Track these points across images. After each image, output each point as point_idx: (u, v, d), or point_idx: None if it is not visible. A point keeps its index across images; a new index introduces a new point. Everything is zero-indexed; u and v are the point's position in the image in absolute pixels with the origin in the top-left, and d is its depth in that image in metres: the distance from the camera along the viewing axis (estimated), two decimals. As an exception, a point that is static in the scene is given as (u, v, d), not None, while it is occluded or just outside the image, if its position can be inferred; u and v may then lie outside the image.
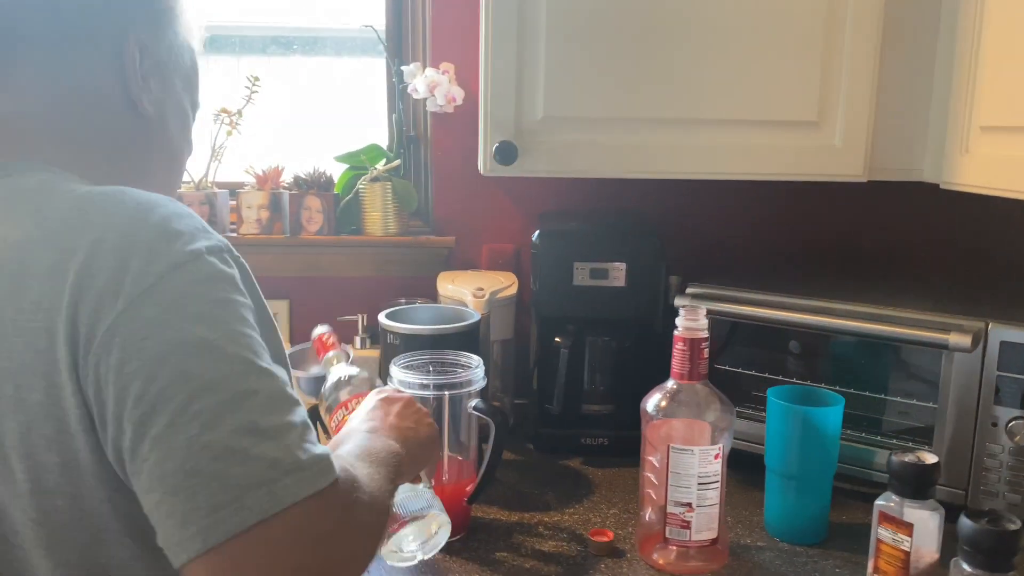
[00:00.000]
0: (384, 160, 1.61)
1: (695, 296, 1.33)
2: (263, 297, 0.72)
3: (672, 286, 1.44)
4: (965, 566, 0.83)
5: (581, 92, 1.26)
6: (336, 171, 1.66)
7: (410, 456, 0.85)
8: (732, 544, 1.14)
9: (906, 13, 1.25)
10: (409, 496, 0.94)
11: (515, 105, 1.26)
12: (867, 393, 1.26)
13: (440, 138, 1.64)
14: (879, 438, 1.25)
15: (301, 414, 0.65)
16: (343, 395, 1.05)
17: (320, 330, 1.20)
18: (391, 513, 0.78)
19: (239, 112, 1.54)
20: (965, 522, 0.83)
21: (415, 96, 1.57)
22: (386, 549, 0.95)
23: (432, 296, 1.56)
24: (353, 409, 0.99)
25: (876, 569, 0.99)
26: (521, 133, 1.27)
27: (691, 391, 1.06)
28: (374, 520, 0.69)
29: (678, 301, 1.32)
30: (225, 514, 0.58)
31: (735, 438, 1.31)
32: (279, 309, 1.67)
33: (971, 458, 1.16)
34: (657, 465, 1.07)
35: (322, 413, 1.07)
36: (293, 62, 1.74)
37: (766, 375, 1.33)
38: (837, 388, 1.27)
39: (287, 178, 1.63)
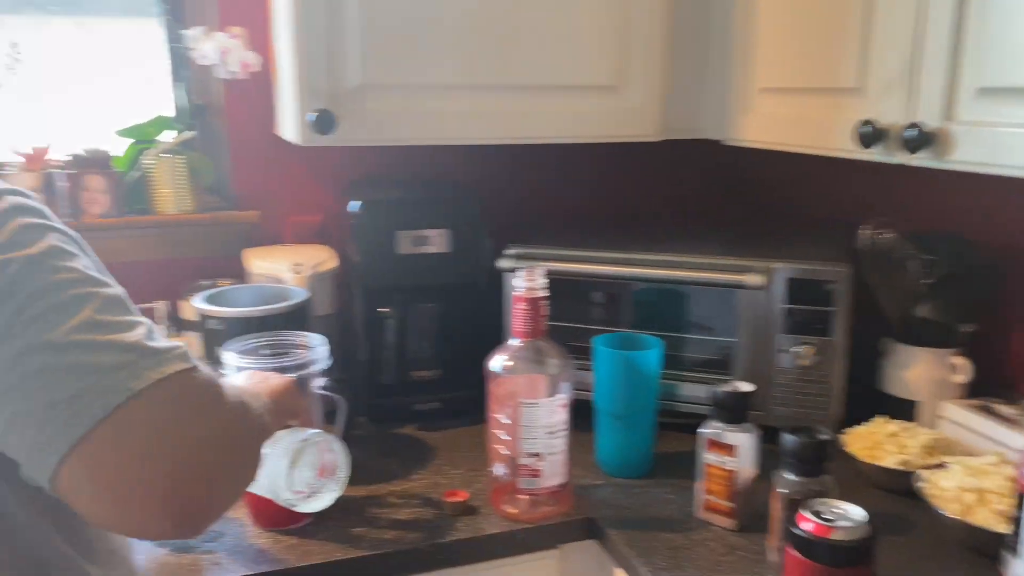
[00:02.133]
0: (176, 132, 1.49)
1: (516, 256, 1.38)
2: (92, 252, 0.69)
3: (491, 248, 1.48)
4: (789, 475, 0.95)
5: (394, 59, 1.25)
6: (120, 148, 1.51)
7: (271, 399, 0.85)
8: (572, 485, 1.22)
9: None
10: (283, 435, 0.91)
11: (328, 72, 1.22)
12: (675, 334, 1.39)
13: (235, 107, 1.54)
14: (686, 373, 1.38)
15: (146, 320, 0.63)
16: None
17: None
18: (266, 433, 0.76)
19: (-2, 83, 1.36)
20: (787, 437, 0.95)
21: (204, 63, 1.46)
22: (286, 494, 0.90)
23: (237, 276, 1.49)
24: None
25: (706, 490, 1.11)
26: (337, 100, 1.23)
27: (533, 348, 1.11)
28: (249, 417, 0.67)
29: (502, 263, 1.36)
30: (86, 401, 0.56)
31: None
32: (61, 302, 1.50)
33: (767, 382, 1.31)
34: (507, 421, 1.11)
35: None
36: (56, 25, 1.55)
37: (585, 326, 1.41)
38: (647, 332, 1.39)
39: (59, 157, 1.46)
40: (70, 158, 1.45)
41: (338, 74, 1.23)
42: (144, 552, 1.03)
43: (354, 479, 1.22)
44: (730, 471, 1.08)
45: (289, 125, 1.29)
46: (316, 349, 1.10)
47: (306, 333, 1.13)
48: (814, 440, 0.94)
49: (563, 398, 1.11)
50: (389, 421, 1.43)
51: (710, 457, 1.10)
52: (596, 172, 1.76)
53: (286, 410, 0.90)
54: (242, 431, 0.65)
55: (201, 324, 1.23)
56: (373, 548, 1.06)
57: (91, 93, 1.56)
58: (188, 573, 1.00)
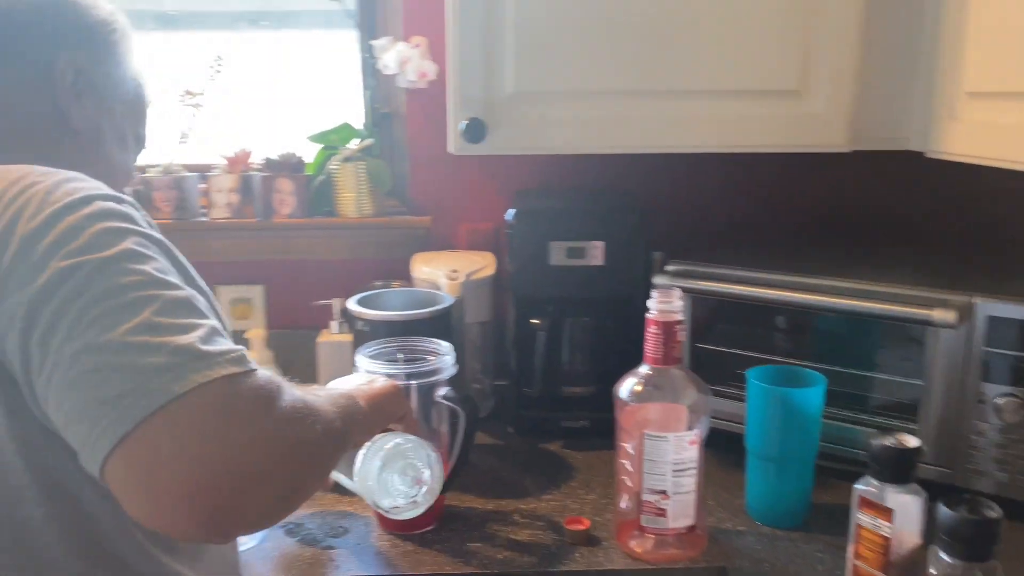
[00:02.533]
0: (356, 139, 1.57)
1: (674, 274, 1.29)
2: (181, 257, 0.72)
3: (656, 263, 1.40)
4: (943, 556, 0.80)
5: (553, 65, 1.21)
6: (311, 152, 1.61)
7: (369, 402, 0.84)
8: (712, 528, 1.12)
9: (890, -26, 1.20)
10: (378, 437, 0.89)
11: (484, 80, 1.22)
12: (852, 370, 1.23)
13: (414, 115, 1.59)
14: (864, 416, 1.22)
15: (206, 320, 0.64)
16: None
17: None
18: (341, 441, 0.74)
19: (202, 92, 1.50)
20: (943, 510, 0.79)
21: (386, 72, 1.51)
22: (374, 496, 0.88)
23: (409, 278, 1.53)
24: None
25: (856, 555, 0.96)
26: (491, 109, 1.22)
27: (665, 375, 1.03)
28: (306, 428, 0.65)
29: (656, 280, 1.28)
30: (131, 400, 0.58)
31: (720, 419, 1.29)
32: (254, 294, 1.63)
33: (958, 437, 1.12)
34: (631, 452, 1.04)
35: None
36: (263, 38, 1.69)
37: (750, 353, 1.29)
38: (822, 366, 1.23)
39: (258, 160, 1.58)
40: (264, 162, 1.56)
41: (493, 82, 1.22)
42: (270, 539, 1.09)
43: (485, 491, 1.22)
44: (885, 538, 0.93)
45: (448, 134, 1.30)
46: (442, 358, 1.09)
47: (437, 341, 1.13)
48: (979, 517, 0.78)
49: (695, 433, 1.02)
50: (535, 435, 1.40)
51: (863, 519, 0.95)
52: (775, 184, 1.60)
53: (385, 414, 0.89)
54: (293, 440, 0.64)
55: (352, 325, 1.27)
56: (482, 566, 1.03)
57: (292, 100, 1.68)
58: (304, 566, 1.04)
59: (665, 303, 1.01)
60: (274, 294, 1.65)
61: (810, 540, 1.09)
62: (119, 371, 0.58)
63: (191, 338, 0.61)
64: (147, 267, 0.63)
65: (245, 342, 1.55)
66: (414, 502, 0.90)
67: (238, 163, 1.57)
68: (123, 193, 0.87)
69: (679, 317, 1.01)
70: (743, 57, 1.22)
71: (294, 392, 0.66)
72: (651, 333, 1.02)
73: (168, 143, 1.55)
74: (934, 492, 0.92)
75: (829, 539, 1.08)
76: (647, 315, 1.02)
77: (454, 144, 1.23)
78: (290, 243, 1.60)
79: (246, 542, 1.06)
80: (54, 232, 0.62)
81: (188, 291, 0.65)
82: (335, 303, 1.55)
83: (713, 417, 1.29)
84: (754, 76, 1.23)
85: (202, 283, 0.72)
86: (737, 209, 1.61)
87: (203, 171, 1.59)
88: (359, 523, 1.13)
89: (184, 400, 0.58)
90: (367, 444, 0.86)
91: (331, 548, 1.08)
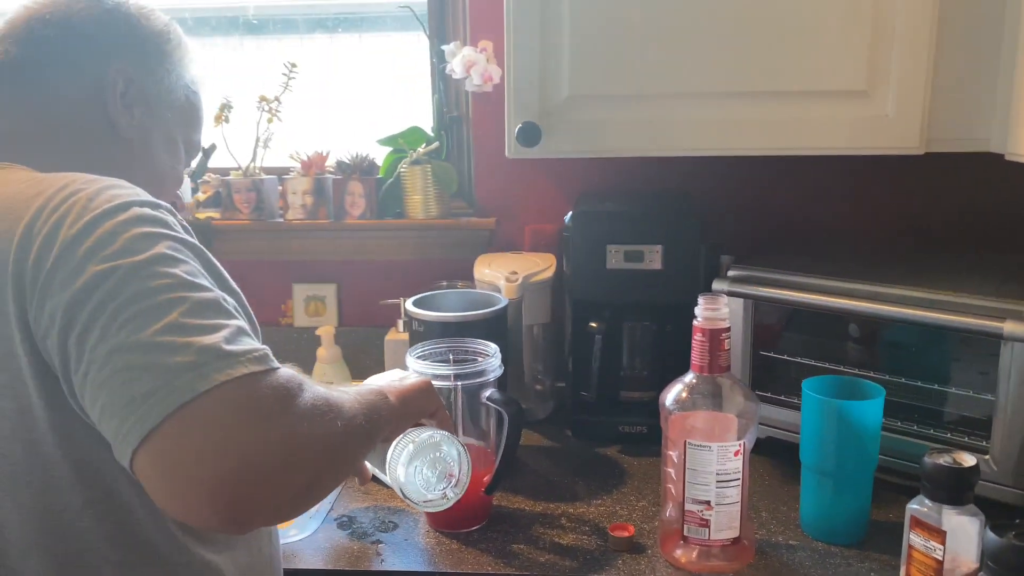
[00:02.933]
0: (424, 143, 1.60)
1: (735, 280, 1.26)
2: (214, 260, 0.75)
3: (723, 267, 1.37)
4: (991, 584, 0.76)
5: (608, 69, 1.21)
6: (383, 154, 1.65)
7: (398, 397, 0.86)
8: (763, 542, 1.09)
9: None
10: (409, 431, 0.90)
11: (539, 84, 1.22)
12: (919, 383, 1.17)
13: (480, 118, 1.61)
14: (933, 431, 1.16)
15: (233, 320, 0.67)
16: None
17: None
18: (363, 437, 0.76)
19: (277, 99, 1.56)
20: (989, 535, 0.75)
21: (453, 76, 1.54)
22: (402, 482, 0.88)
23: (474, 279, 1.55)
24: None
25: (908, 577, 0.92)
26: (546, 113, 1.22)
27: (712, 384, 1.01)
28: (325, 424, 0.67)
29: (715, 285, 1.26)
30: (157, 398, 0.61)
31: (784, 429, 1.26)
32: (327, 292, 1.69)
33: (1033, 457, 1.06)
34: (676, 460, 1.02)
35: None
36: (338, 42, 1.74)
37: (815, 362, 1.25)
38: (889, 377, 1.19)
39: (332, 163, 1.64)
40: (336, 164, 1.62)
41: (548, 86, 1.22)
42: (322, 531, 1.13)
43: (536, 493, 1.23)
44: (937, 560, 0.88)
45: (505, 138, 1.31)
46: (488, 360, 1.11)
47: (486, 343, 1.14)
48: (1028, 545, 0.74)
49: (739, 444, 0.99)
50: (593, 439, 1.40)
51: (915, 540, 0.91)
52: (846, 188, 1.53)
53: (415, 409, 0.90)
54: (312, 435, 0.66)
55: (410, 325, 1.30)
56: (523, 568, 1.04)
57: (367, 103, 1.73)
58: (351, 558, 1.07)
59: (711, 310, 0.99)
60: (347, 292, 1.70)
61: (864, 559, 1.05)
62: (147, 370, 0.62)
63: (216, 338, 0.64)
64: (177, 270, 0.67)
65: (314, 338, 1.61)
66: (444, 496, 0.91)
67: (313, 166, 1.62)
68: (171, 197, 0.93)
69: (725, 324, 0.99)
70: (807, 56, 1.18)
71: (316, 389, 0.69)
72: (697, 341, 1.00)
73: (248, 146, 1.62)
74: (1008, 515, 0.87)
75: (886, 559, 1.04)
76: (694, 322, 1.00)
77: (510, 148, 1.24)
78: (361, 243, 1.65)
79: (296, 533, 1.11)
80: (92, 237, 0.66)
81: (216, 293, 0.69)
82: (401, 302, 1.59)
83: (776, 427, 1.28)
84: (819, 76, 1.19)
85: (233, 285, 0.76)
86: (806, 213, 1.55)
87: (281, 174, 1.65)
88: (409, 519, 1.16)
89: (207, 397, 0.61)
90: (398, 438, 0.87)
91: (379, 542, 1.10)
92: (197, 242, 0.73)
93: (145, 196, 0.72)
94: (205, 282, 0.69)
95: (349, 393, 0.76)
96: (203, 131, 0.99)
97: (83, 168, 0.75)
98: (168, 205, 0.73)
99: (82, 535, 0.72)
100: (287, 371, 0.67)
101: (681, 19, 1.18)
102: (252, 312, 0.77)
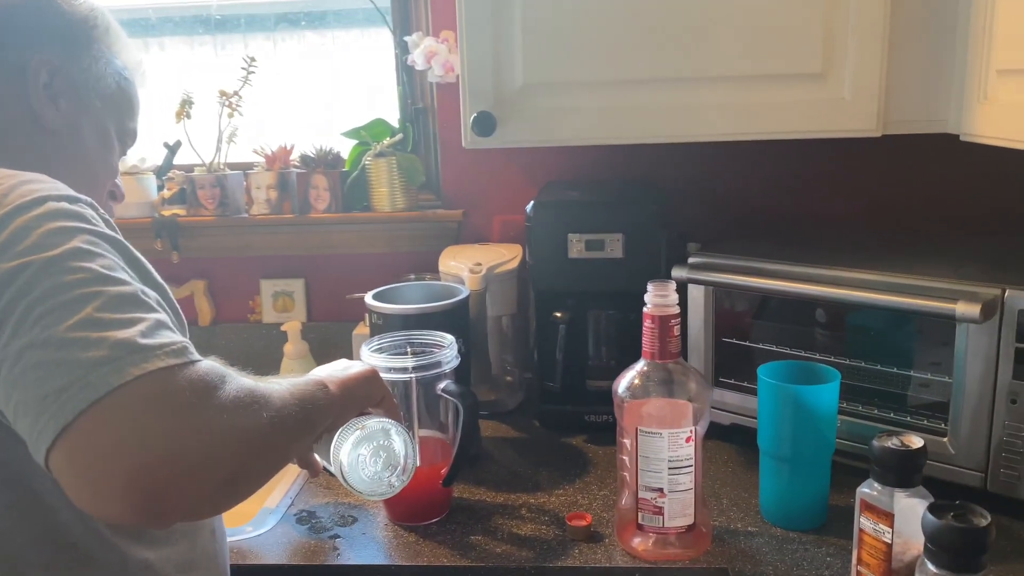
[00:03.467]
0: (389, 135, 1.59)
1: (695, 267, 1.26)
2: (137, 254, 0.73)
3: (691, 254, 1.36)
4: (931, 566, 0.75)
5: (562, 56, 1.20)
6: (348, 148, 1.64)
7: (340, 387, 0.83)
8: (722, 528, 1.08)
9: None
10: (354, 420, 0.88)
11: (493, 73, 1.21)
12: (879, 367, 1.17)
13: (445, 110, 1.60)
14: (894, 415, 1.16)
15: (152, 314, 0.66)
16: None
17: None
18: (295, 429, 0.74)
19: (236, 93, 1.55)
20: (928, 517, 0.75)
21: (415, 67, 1.53)
22: (344, 470, 0.86)
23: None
24: None
25: (859, 560, 0.92)
26: (501, 103, 1.21)
27: (663, 370, 1.00)
28: (249, 416, 0.66)
29: (675, 272, 1.25)
30: (70, 394, 0.60)
31: (745, 415, 1.25)
32: (295, 288, 1.68)
33: (990, 439, 1.05)
34: (629, 448, 1.02)
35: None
36: (304, 39, 1.73)
37: (777, 348, 1.25)
38: (850, 361, 1.18)
39: (297, 157, 1.63)
40: (300, 158, 1.61)
41: (503, 75, 1.21)
42: (280, 526, 1.12)
43: (497, 484, 1.22)
44: (887, 544, 0.88)
45: (462, 128, 1.30)
46: (443, 351, 1.10)
47: (443, 334, 1.13)
48: (965, 526, 0.73)
49: (691, 430, 0.99)
50: (559, 429, 1.39)
51: (865, 523, 0.91)
52: (808, 172, 1.53)
53: (358, 398, 0.88)
54: (234, 428, 0.65)
55: (369, 318, 1.29)
56: (479, 560, 1.04)
57: (332, 98, 1.72)
58: (307, 553, 1.07)
59: (660, 296, 0.98)
60: (315, 287, 1.69)
61: (822, 544, 1.04)
62: (60, 366, 0.61)
63: (131, 332, 0.63)
64: (93, 264, 0.65)
65: (283, 334, 1.60)
66: (389, 484, 0.89)
67: (277, 160, 1.61)
68: (106, 189, 0.91)
69: (675, 311, 0.99)
70: (763, 40, 1.17)
71: (240, 381, 0.67)
72: (647, 327, 1.00)
73: (211, 142, 1.61)
74: (966, 498, 0.86)
75: (842, 543, 1.03)
76: (644, 309, 1.00)
77: (466, 138, 1.23)
78: (328, 238, 1.64)
79: (252, 530, 1.10)
80: (5, 233, 0.65)
81: (135, 287, 0.67)
82: (367, 296, 1.58)
83: (741, 414, 1.27)
84: (775, 60, 1.18)
85: (158, 278, 0.74)
86: (771, 199, 1.55)
87: (245, 169, 1.64)
88: (369, 514, 1.16)
89: (121, 391, 0.60)
90: (342, 427, 0.86)
91: (336, 537, 1.10)
92: (120, 236, 0.72)
93: (64, 190, 0.71)
94: (124, 276, 0.67)
95: (283, 384, 0.75)
96: (139, 118, 0.95)
97: (6, 163, 0.74)
98: (88, 199, 0.72)
99: (5, 539, 0.71)
100: (208, 363, 0.66)
101: (634, 5, 1.17)
102: (179, 307, 0.76)
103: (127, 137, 0.94)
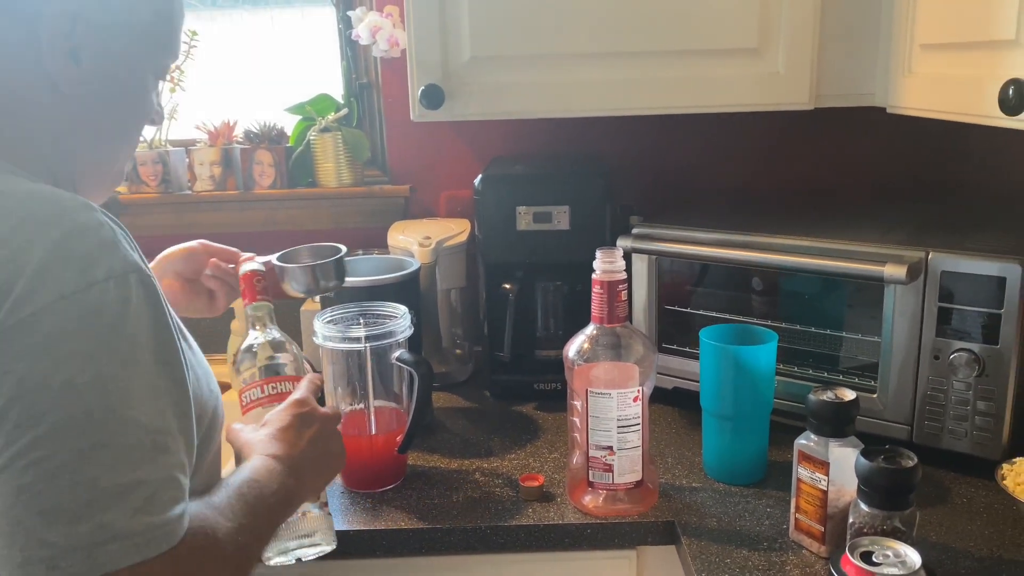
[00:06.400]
0: (334, 110, 1.59)
1: (639, 236, 1.30)
2: (175, 320, 0.69)
3: (634, 225, 1.40)
4: (863, 505, 0.81)
5: (508, 31, 1.22)
6: (292, 124, 1.64)
7: (309, 491, 0.86)
8: (668, 485, 1.13)
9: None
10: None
11: (441, 47, 1.23)
12: (813, 328, 1.23)
13: (390, 85, 1.60)
14: (828, 375, 1.22)
15: (157, 471, 0.62)
16: (259, 373, 0.95)
17: (250, 267, 1.03)
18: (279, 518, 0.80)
19: (178, 67, 1.53)
20: (860, 460, 0.80)
21: (360, 42, 1.53)
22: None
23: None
24: (269, 396, 0.93)
25: (797, 508, 0.97)
26: (449, 76, 1.23)
27: (612, 335, 1.04)
28: (252, 550, 0.70)
29: (619, 242, 1.29)
30: (33, 571, 0.57)
31: (687, 379, 1.30)
32: (241, 265, 1.67)
33: (916, 394, 1.12)
34: (580, 409, 1.06)
35: (232, 376, 0.99)
36: (249, 16, 1.71)
37: (716, 314, 1.30)
38: (786, 325, 1.24)
39: (241, 133, 1.62)
40: (244, 134, 1.59)
41: (450, 49, 1.23)
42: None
43: (451, 451, 1.25)
44: (822, 491, 0.94)
45: (409, 101, 1.32)
46: (396, 321, 1.12)
47: (395, 305, 1.15)
48: (894, 466, 0.79)
49: (638, 390, 1.03)
50: (509, 398, 1.42)
51: (803, 473, 0.96)
52: (748, 145, 1.58)
53: (315, 493, 0.91)
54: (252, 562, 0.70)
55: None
56: (435, 521, 1.06)
57: (277, 75, 1.71)
58: (265, 522, 1.08)
59: (608, 263, 1.02)
60: (261, 265, 1.68)
61: (762, 496, 1.10)
62: (35, 534, 0.57)
63: (127, 506, 0.59)
64: (112, 400, 0.60)
65: (230, 311, 1.59)
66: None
67: (220, 136, 1.60)
68: (127, 161, 0.83)
69: (622, 276, 1.02)
70: (701, 16, 1.22)
71: (227, 537, 0.67)
72: (596, 293, 1.03)
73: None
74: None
75: (781, 495, 1.09)
76: (592, 275, 1.03)
77: (414, 110, 1.25)
78: (272, 214, 1.63)
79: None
80: (38, 327, 0.59)
81: (152, 424, 0.62)
82: (317, 272, 1.58)
83: (683, 379, 1.32)
84: (713, 35, 1.23)
85: (180, 325, 0.72)
86: (711, 172, 1.60)
87: (188, 146, 1.62)
88: (324, 482, 1.17)
89: None
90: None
91: (293, 505, 1.11)
92: (145, 266, 0.65)
93: (113, 256, 0.62)
94: (142, 402, 0.62)
95: (266, 502, 0.75)
96: (178, 51, 0.82)
97: (20, 144, 0.68)
98: (134, 263, 0.63)
99: None
100: (195, 538, 0.63)
101: (578, -20, 1.20)
102: (204, 360, 0.76)
103: (170, 61, 0.81)
